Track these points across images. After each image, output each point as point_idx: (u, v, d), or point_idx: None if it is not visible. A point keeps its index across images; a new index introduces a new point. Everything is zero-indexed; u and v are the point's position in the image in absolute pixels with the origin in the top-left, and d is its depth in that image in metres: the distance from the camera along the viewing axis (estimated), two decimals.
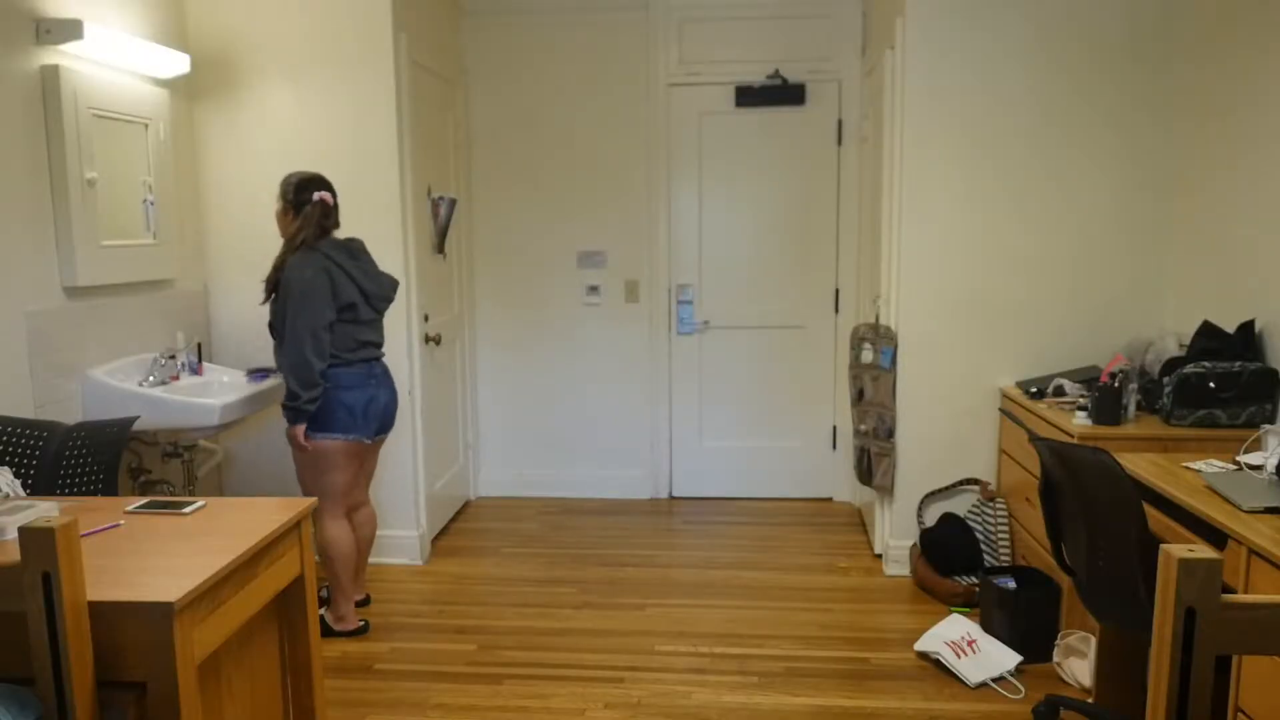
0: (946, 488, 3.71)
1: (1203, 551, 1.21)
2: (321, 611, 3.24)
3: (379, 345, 3.16)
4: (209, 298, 3.78)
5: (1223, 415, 2.88)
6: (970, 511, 3.65)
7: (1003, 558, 3.48)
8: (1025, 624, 2.98)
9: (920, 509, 3.73)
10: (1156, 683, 1.25)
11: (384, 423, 3.16)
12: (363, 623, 3.27)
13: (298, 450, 3.04)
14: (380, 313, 3.14)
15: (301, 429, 2.99)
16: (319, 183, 3.03)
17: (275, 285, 2.97)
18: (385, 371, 3.18)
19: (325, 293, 2.92)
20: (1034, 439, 2.48)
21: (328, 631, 3.22)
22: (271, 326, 3.01)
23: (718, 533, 4.26)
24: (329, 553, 3.17)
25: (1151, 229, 3.56)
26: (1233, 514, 2.02)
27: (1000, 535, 3.50)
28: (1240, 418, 2.87)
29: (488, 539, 4.22)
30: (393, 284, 3.17)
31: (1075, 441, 2.57)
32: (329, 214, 3.03)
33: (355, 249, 3.08)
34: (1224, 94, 3.20)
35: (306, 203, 2.99)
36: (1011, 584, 3.10)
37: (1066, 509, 2.42)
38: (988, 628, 3.07)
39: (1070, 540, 2.45)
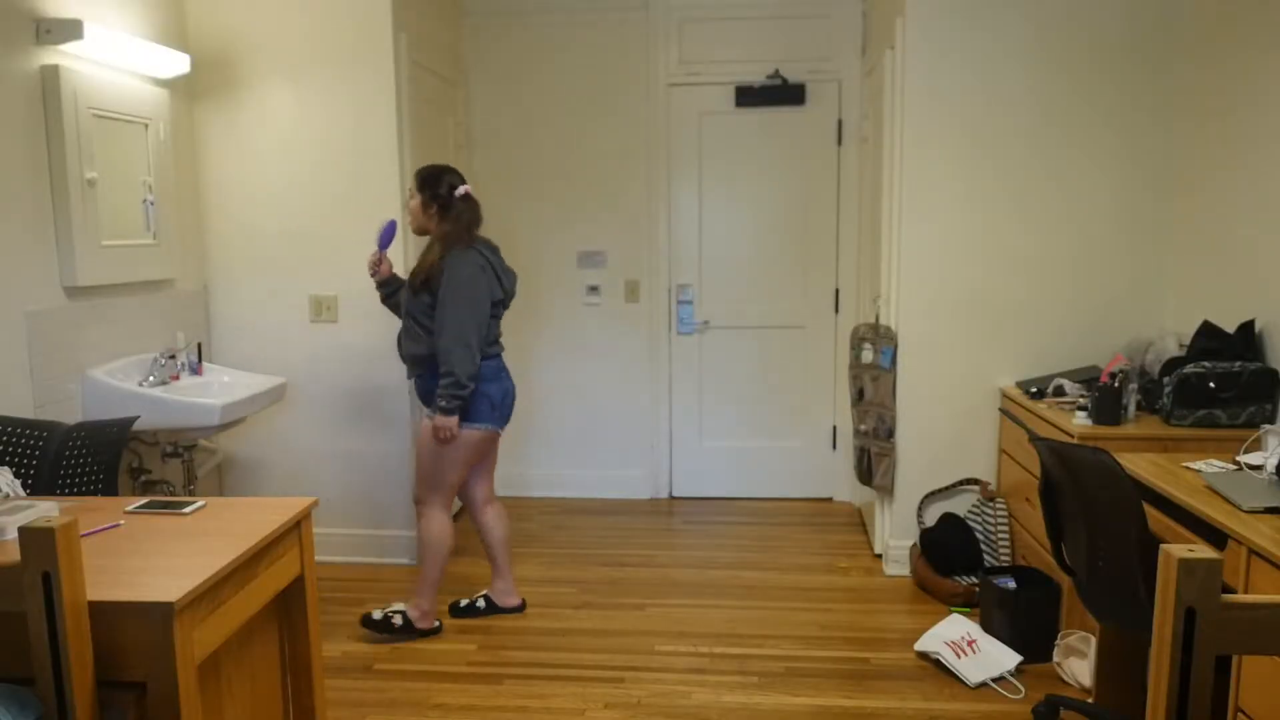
0: (946, 488, 3.71)
1: (1203, 551, 1.21)
2: (401, 608, 3.20)
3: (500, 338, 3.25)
4: (209, 297, 3.78)
5: (1223, 415, 2.88)
6: (970, 511, 3.65)
7: (1003, 558, 3.48)
8: (1025, 624, 2.98)
9: (920, 509, 3.73)
10: (1156, 683, 1.25)
11: (510, 412, 3.22)
12: (438, 623, 3.26)
13: (442, 442, 3.05)
14: (507, 308, 3.22)
15: (456, 420, 3.03)
16: (456, 174, 3.09)
17: (427, 280, 3.01)
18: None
19: (485, 289, 3.02)
20: (1034, 439, 2.48)
21: (405, 629, 3.18)
22: (413, 317, 3.05)
23: (718, 533, 4.26)
24: (434, 547, 3.15)
25: (1151, 229, 3.56)
26: (1233, 514, 2.02)
27: (1000, 535, 3.50)
28: (1240, 418, 2.87)
29: None
30: (516, 280, 3.24)
31: (1075, 441, 2.56)
32: (476, 207, 3.10)
33: (495, 247, 3.17)
34: (1224, 94, 3.20)
35: (449, 196, 3.04)
36: (1011, 584, 3.10)
37: (1067, 509, 2.42)
38: (987, 628, 3.07)
39: (1070, 540, 2.45)
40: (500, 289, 3.11)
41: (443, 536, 3.16)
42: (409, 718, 2.71)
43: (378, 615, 3.19)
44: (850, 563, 3.85)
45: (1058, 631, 3.00)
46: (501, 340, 3.21)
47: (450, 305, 2.96)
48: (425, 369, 3.10)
